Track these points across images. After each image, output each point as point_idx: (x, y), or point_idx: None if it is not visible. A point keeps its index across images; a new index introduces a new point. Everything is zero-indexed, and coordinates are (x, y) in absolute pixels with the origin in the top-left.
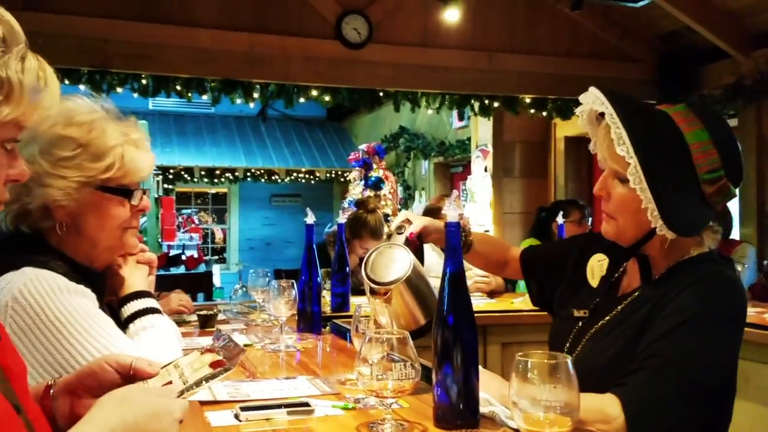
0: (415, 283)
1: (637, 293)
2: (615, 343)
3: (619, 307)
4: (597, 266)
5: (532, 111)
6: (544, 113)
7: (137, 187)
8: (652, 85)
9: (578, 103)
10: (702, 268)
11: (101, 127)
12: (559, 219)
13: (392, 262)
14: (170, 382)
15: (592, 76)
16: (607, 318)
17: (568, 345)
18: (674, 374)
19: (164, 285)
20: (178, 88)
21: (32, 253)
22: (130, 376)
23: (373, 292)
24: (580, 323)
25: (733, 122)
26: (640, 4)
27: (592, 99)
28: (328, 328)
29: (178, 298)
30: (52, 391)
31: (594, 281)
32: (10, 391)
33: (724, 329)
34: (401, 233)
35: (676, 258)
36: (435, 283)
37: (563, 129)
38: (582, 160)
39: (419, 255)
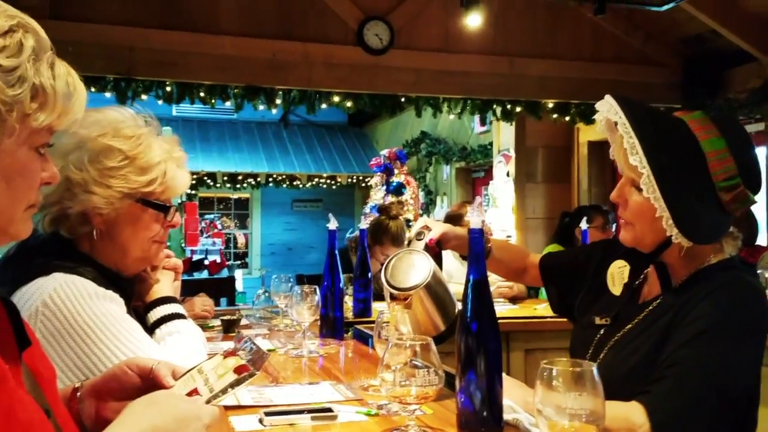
0: (434, 289)
1: (658, 301)
2: (637, 352)
3: (640, 315)
4: (617, 273)
5: (555, 116)
6: (567, 118)
7: (171, 203)
8: (677, 90)
9: None
10: (723, 276)
11: (148, 142)
12: (583, 224)
13: (412, 267)
14: (195, 389)
15: (616, 80)
16: (629, 326)
17: (590, 353)
18: (698, 382)
19: (187, 290)
20: (202, 94)
21: (62, 258)
22: (150, 380)
23: (393, 298)
24: (602, 331)
25: (759, 126)
26: (665, 7)
27: (607, 108)
28: (350, 333)
29: (202, 302)
30: (78, 393)
31: (615, 288)
32: (41, 395)
33: (746, 336)
34: (421, 239)
35: (696, 265)
36: (456, 289)
37: (586, 133)
38: (606, 164)
39: (438, 261)
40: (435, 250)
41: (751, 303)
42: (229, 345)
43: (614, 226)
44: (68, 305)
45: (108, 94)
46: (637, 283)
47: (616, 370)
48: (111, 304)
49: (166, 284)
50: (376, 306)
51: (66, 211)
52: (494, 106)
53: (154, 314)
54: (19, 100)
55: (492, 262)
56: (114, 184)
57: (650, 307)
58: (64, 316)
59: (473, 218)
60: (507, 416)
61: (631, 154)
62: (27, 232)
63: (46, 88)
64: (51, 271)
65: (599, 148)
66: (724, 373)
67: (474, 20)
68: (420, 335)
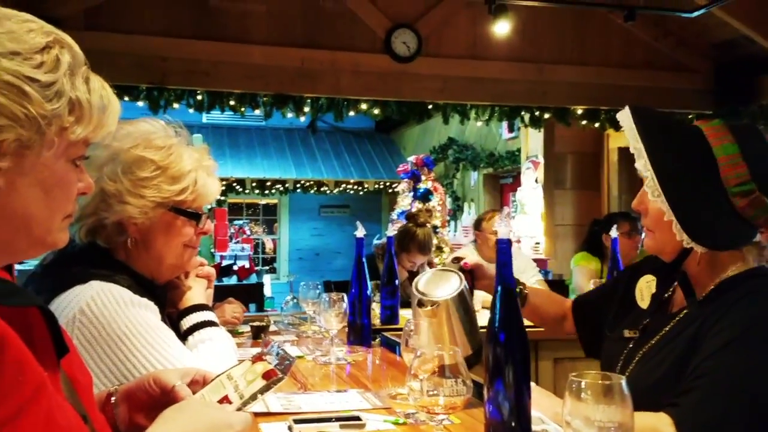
0: (462, 307)
1: (684, 312)
2: (663, 363)
3: (667, 327)
4: (646, 287)
5: (584, 122)
6: (597, 124)
7: (203, 211)
8: (708, 96)
9: None
10: (749, 284)
11: (178, 151)
12: (613, 232)
13: (444, 281)
14: (226, 396)
15: (646, 87)
16: (657, 338)
17: (619, 365)
18: (727, 393)
19: (217, 295)
20: (232, 103)
21: (99, 266)
22: (172, 397)
23: (420, 305)
24: (631, 344)
25: None
26: (695, 14)
27: (622, 117)
28: (377, 340)
29: (232, 309)
30: (113, 399)
31: (643, 302)
32: (78, 401)
33: None
34: (457, 263)
35: (720, 275)
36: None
37: (617, 140)
38: (636, 171)
39: (471, 292)
40: (468, 279)
41: None
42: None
43: (642, 232)
44: (105, 313)
45: (141, 103)
46: (666, 295)
47: (644, 381)
48: (146, 312)
49: (199, 291)
50: (404, 313)
51: (102, 221)
52: (522, 112)
53: (187, 321)
54: (57, 114)
55: (530, 309)
56: (147, 193)
57: (677, 319)
58: (100, 324)
59: (501, 228)
60: (536, 427)
61: (637, 158)
62: (64, 241)
63: (82, 102)
64: (88, 279)
65: (630, 155)
66: (753, 383)
67: (502, 28)
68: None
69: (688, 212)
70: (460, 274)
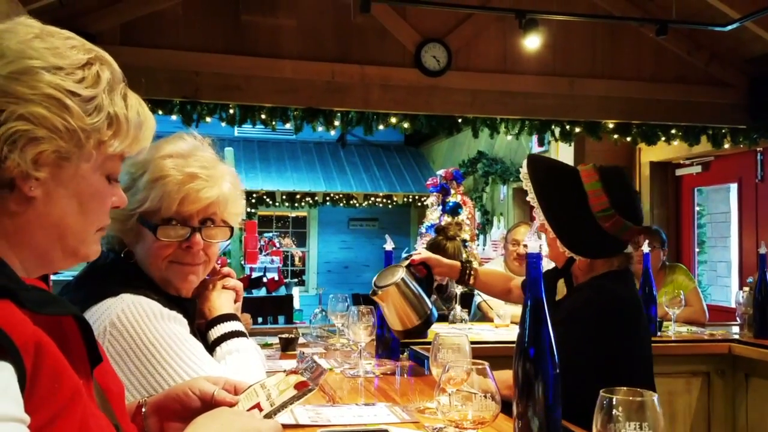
0: (405, 290)
1: (566, 299)
2: None
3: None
4: (561, 286)
5: (616, 136)
6: (629, 138)
7: (188, 221)
8: (742, 111)
9: (665, 128)
10: (594, 282)
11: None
12: (645, 248)
13: (391, 274)
14: (258, 404)
15: (678, 101)
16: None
17: None
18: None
19: (247, 307)
20: (263, 117)
21: (130, 279)
22: (211, 405)
23: (374, 294)
24: None
25: None
26: (728, 27)
27: (524, 164)
28: (405, 354)
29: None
30: (143, 410)
31: (559, 297)
32: (110, 411)
33: (588, 327)
34: (406, 260)
35: (591, 275)
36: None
37: (648, 154)
38: (668, 185)
39: (429, 280)
40: (422, 272)
41: (596, 303)
42: (289, 363)
43: (665, 246)
44: (135, 326)
45: (174, 117)
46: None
47: None
48: (175, 325)
49: (226, 302)
50: (433, 327)
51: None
52: (553, 126)
53: (215, 332)
54: (96, 128)
55: (478, 284)
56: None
57: (563, 303)
58: (131, 336)
59: (530, 243)
60: None
61: (529, 194)
62: (96, 253)
63: (120, 117)
64: (119, 292)
65: (662, 169)
66: (568, 352)
67: (533, 42)
68: (397, 331)
69: (566, 232)
70: (404, 267)
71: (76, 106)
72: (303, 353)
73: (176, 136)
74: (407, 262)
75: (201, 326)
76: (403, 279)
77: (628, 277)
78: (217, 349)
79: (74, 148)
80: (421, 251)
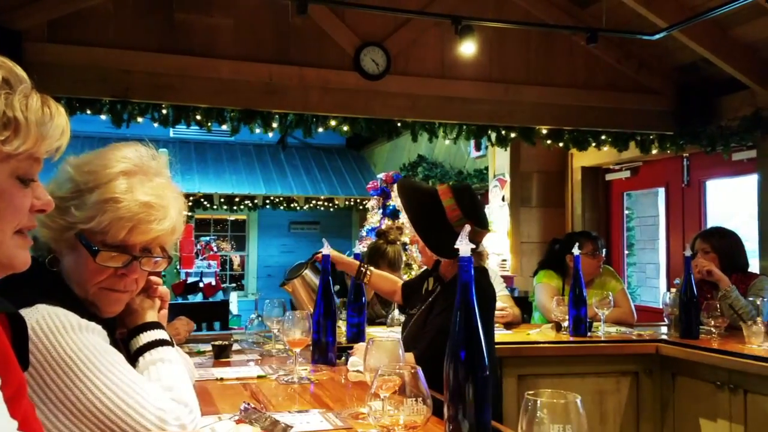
0: (309, 283)
1: (434, 294)
2: (417, 321)
3: (425, 304)
4: (431, 281)
5: (549, 141)
6: (561, 144)
7: (130, 249)
8: (670, 117)
9: (595, 134)
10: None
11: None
12: (575, 250)
13: (298, 270)
14: None
15: (609, 108)
16: (420, 308)
17: (406, 330)
18: (431, 337)
19: (183, 313)
20: (198, 118)
21: (46, 288)
22: None
23: (282, 284)
24: (413, 311)
25: (751, 153)
26: (657, 36)
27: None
28: (343, 359)
29: (184, 325)
30: None
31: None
32: None
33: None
34: (312, 257)
35: (454, 272)
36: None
37: (580, 159)
38: (599, 189)
39: (334, 275)
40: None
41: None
42: (222, 371)
43: (603, 251)
44: (50, 337)
45: (104, 117)
46: (427, 287)
47: (411, 335)
48: (93, 336)
49: (150, 310)
50: (371, 331)
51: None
52: (489, 131)
53: (138, 341)
54: None
55: (371, 285)
56: (56, 215)
57: (429, 299)
58: (46, 349)
59: (462, 246)
60: None
61: (401, 211)
62: (23, 261)
63: (18, 119)
64: (34, 302)
65: (593, 174)
66: (443, 334)
67: (468, 48)
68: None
69: (432, 240)
70: (309, 264)
71: None
72: (244, 404)
73: (130, 146)
74: (313, 258)
75: (123, 336)
76: (307, 273)
77: (487, 272)
78: (140, 359)
79: None
80: (324, 249)
